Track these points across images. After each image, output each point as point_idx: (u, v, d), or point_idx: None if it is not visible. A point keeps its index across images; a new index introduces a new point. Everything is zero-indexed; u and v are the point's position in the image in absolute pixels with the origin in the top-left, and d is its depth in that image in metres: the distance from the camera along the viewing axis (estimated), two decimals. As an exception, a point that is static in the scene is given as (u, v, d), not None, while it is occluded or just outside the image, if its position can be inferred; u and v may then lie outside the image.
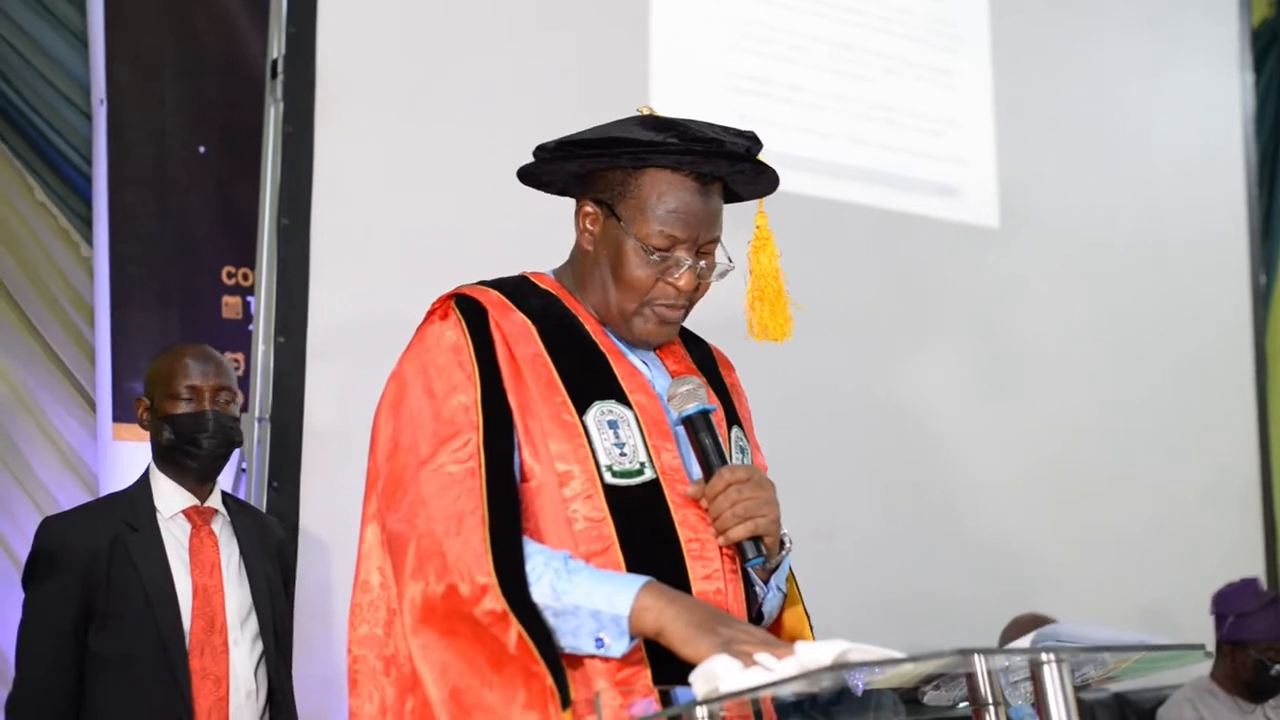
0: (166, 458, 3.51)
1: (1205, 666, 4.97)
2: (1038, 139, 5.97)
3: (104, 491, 4.76)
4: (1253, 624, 4.89)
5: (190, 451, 3.48)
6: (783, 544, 2.40)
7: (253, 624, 3.43)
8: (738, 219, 2.55)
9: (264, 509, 3.97)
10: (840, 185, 5.28)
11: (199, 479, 3.53)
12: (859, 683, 1.84)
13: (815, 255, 4.65)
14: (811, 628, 2.55)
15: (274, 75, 4.27)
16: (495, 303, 2.41)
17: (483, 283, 2.48)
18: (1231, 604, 4.97)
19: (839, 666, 1.74)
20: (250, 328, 4.95)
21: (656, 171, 2.38)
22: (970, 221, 5.71)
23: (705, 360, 2.61)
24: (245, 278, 5.05)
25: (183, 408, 3.49)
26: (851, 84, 5.44)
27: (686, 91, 4.91)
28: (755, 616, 2.39)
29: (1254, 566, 6.38)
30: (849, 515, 5.03)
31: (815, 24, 5.37)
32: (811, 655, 1.78)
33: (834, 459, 5.04)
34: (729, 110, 4.95)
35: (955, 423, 5.55)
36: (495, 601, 2.12)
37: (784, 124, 5.12)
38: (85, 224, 5.01)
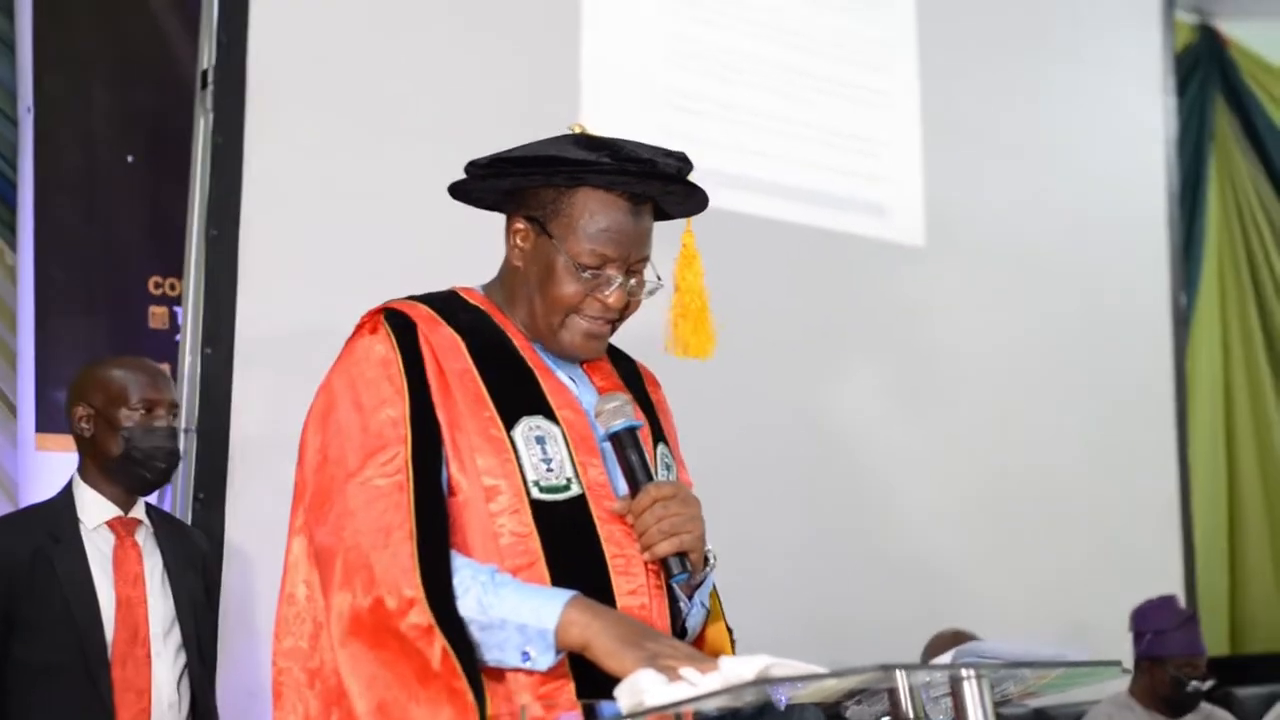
0: (109, 468, 3.48)
1: (1124, 682, 5.03)
2: (964, 159, 6.02)
3: (23, 501, 4.71)
4: (1170, 641, 4.95)
5: (147, 465, 3.48)
6: (707, 560, 2.41)
7: (176, 636, 3.41)
8: (665, 236, 2.57)
9: (190, 521, 3.94)
10: (768, 202, 5.31)
11: (141, 492, 3.52)
12: (782, 698, 1.86)
13: (742, 272, 4.68)
14: (734, 644, 2.57)
15: (204, 85, 4.25)
16: (424, 317, 2.42)
17: (412, 297, 2.49)
18: (1149, 621, 5.02)
19: (762, 681, 1.76)
20: (177, 338, 4.92)
21: (589, 190, 2.40)
22: (896, 240, 5.76)
23: (632, 377, 2.63)
24: (172, 288, 5.02)
25: (139, 420, 3.47)
26: (781, 102, 5.47)
27: (619, 106, 4.93)
28: (679, 632, 2.41)
29: (1173, 584, 6.45)
30: (772, 532, 5.05)
31: (747, 42, 5.40)
32: (735, 670, 1.80)
33: (758, 476, 5.07)
34: (659, 125, 4.97)
35: (879, 440, 5.59)
36: (422, 615, 2.13)
37: (714, 141, 5.15)
38: (9, 230, 4.96)
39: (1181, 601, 5.25)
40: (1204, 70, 8.10)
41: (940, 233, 5.87)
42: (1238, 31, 8.26)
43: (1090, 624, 5.59)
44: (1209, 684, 5.01)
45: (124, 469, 3.47)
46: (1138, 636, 5.05)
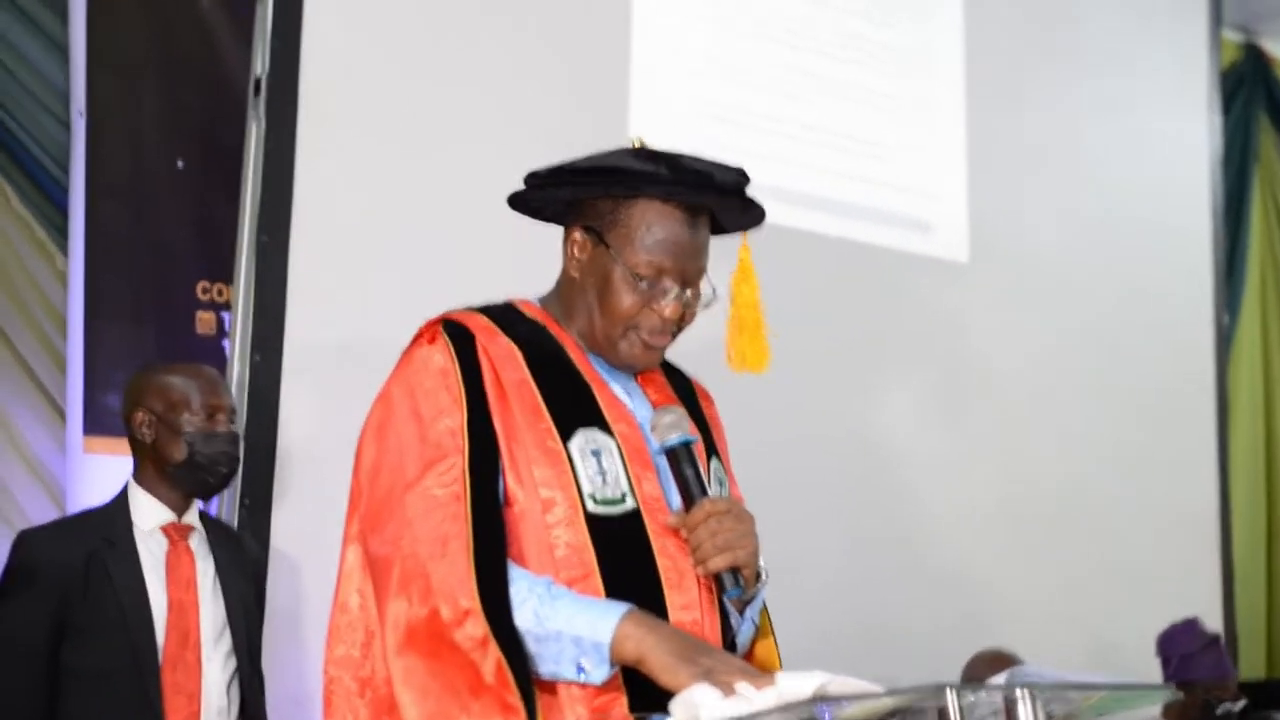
0: (171, 473, 3.48)
1: (1156, 705, 5.00)
2: (1008, 175, 6.01)
3: (71, 504, 4.75)
4: (1197, 664, 4.93)
5: (210, 470, 3.49)
6: (759, 576, 2.42)
7: (226, 641, 3.42)
8: (720, 250, 2.58)
9: (235, 526, 3.97)
10: (812, 216, 5.31)
11: (202, 497, 3.55)
12: (826, 715, 1.87)
13: (786, 286, 4.61)
14: (781, 660, 2.58)
15: (257, 92, 4.26)
16: (482, 328, 2.43)
17: (470, 308, 2.50)
18: (1175, 645, 5.00)
19: (820, 699, 1.77)
20: (224, 344, 4.96)
21: (647, 201, 2.41)
22: (940, 255, 5.75)
23: (685, 391, 2.63)
24: (220, 293, 5.06)
25: (201, 425, 3.49)
26: (826, 115, 5.46)
27: (666, 120, 4.93)
28: (729, 647, 2.41)
29: (1211, 604, 6.43)
30: (814, 545, 5.04)
31: (792, 55, 5.40)
32: (792, 686, 1.81)
33: (800, 489, 5.06)
34: (705, 139, 4.97)
35: (922, 455, 5.58)
36: (477, 626, 2.14)
37: (758, 154, 5.14)
38: (61, 235, 5.01)
39: (1219, 623, 5.22)
40: (1249, 89, 8.08)
41: (984, 248, 5.86)
42: (1284, 51, 8.24)
43: (1128, 642, 5.56)
44: (1240, 705, 4.98)
45: (187, 474, 3.48)
46: (1165, 661, 5.03)
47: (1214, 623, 6.10)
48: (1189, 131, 6.91)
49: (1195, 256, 6.83)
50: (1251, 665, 7.29)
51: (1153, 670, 5.07)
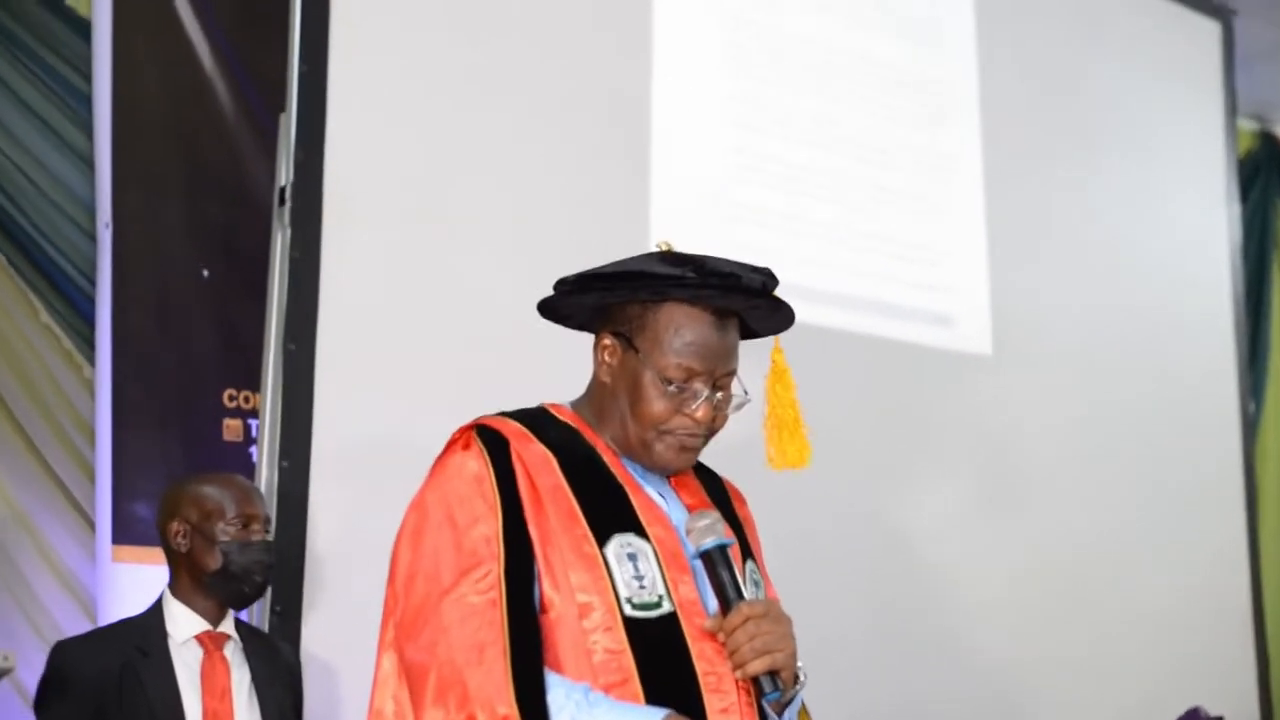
0: (206, 582, 3.48)
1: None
2: (1029, 268, 6.03)
3: (102, 614, 4.75)
4: None
5: (245, 579, 3.49)
6: (797, 678, 2.40)
7: (262, 750, 3.42)
8: (752, 352, 2.59)
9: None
10: (835, 313, 5.32)
11: (236, 606, 3.54)
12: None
13: (811, 383, 4.68)
14: (822, 760, 2.57)
15: (281, 201, 4.30)
16: (516, 433, 2.43)
17: (503, 413, 2.50)
18: None
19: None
20: (251, 450, 4.97)
21: (674, 305, 2.42)
22: (963, 349, 5.76)
23: (719, 493, 2.63)
24: (246, 400, 5.08)
25: (235, 534, 3.49)
26: (847, 213, 5.49)
27: (686, 219, 4.96)
28: (769, 749, 2.40)
29: (1246, 691, 6.39)
30: (848, 636, 5.02)
31: (811, 154, 5.43)
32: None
33: (834, 584, 5.05)
34: (727, 239, 5.00)
35: (953, 546, 5.57)
36: None
37: (779, 251, 5.16)
38: (88, 345, 5.04)
39: (1211, 711, 5.19)
40: (1265, 176, 8.13)
41: (1007, 340, 5.87)
42: (1299, 139, 8.29)
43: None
44: None
45: (221, 584, 3.47)
46: None
47: (1249, 710, 6.07)
48: (1209, 220, 6.94)
49: (1219, 344, 6.83)
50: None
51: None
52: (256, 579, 3.52)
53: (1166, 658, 6.12)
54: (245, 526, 3.51)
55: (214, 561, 3.47)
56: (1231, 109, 7.14)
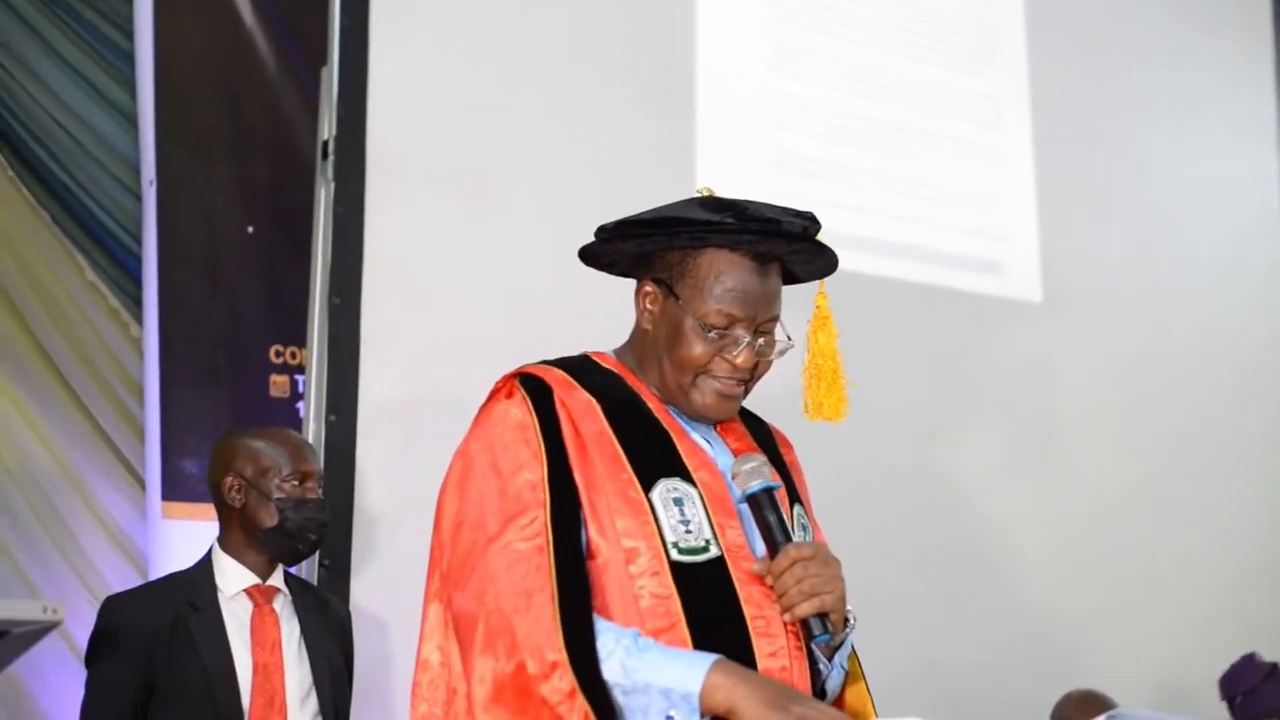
0: (261, 538, 3.48)
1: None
2: (1080, 216, 5.97)
3: (153, 570, 4.77)
4: (1262, 697, 4.85)
5: (300, 537, 3.49)
6: (846, 621, 2.39)
7: (313, 703, 3.40)
8: (797, 298, 2.57)
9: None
10: (883, 262, 5.28)
11: (289, 562, 3.55)
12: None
13: (859, 331, 4.63)
14: (874, 705, 2.55)
15: (325, 156, 4.29)
16: (559, 381, 2.42)
17: (545, 362, 2.49)
18: (1236, 684, 4.92)
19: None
20: (298, 406, 4.98)
21: (714, 251, 2.40)
22: (1013, 297, 5.72)
23: (765, 438, 2.61)
24: (293, 356, 5.09)
25: (291, 491, 3.49)
26: (894, 161, 5.45)
27: (731, 168, 4.93)
28: (818, 693, 2.37)
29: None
30: (894, 589, 5.00)
31: (857, 101, 5.39)
32: (888, 733, 1.78)
33: (879, 534, 5.02)
34: (773, 187, 4.97)
35: (1001, 500, 5.53)
36: (565, 679, 2.12)
37: (826, 201, 5.10)
38: (135, 303, 5.06)
39: (1265, 657, 5.13)
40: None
41: (1057, 289, 5.82)
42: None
43: (1207, 688, 5.47)
44: None
45: (276, 540, 3.47)
46: (1230, 702, 4.95)
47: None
48: (1258, 171, 6.84)
49: (1269, 296, 6.75)
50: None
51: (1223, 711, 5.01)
52: (311, 537, 3.52)
53: (1209, 607, 6.06)
54: (301, 483, 3.51)
55: (269, 518, 3.46)
56: (1281, 55, 7.04)
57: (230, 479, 3.50)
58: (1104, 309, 5.99)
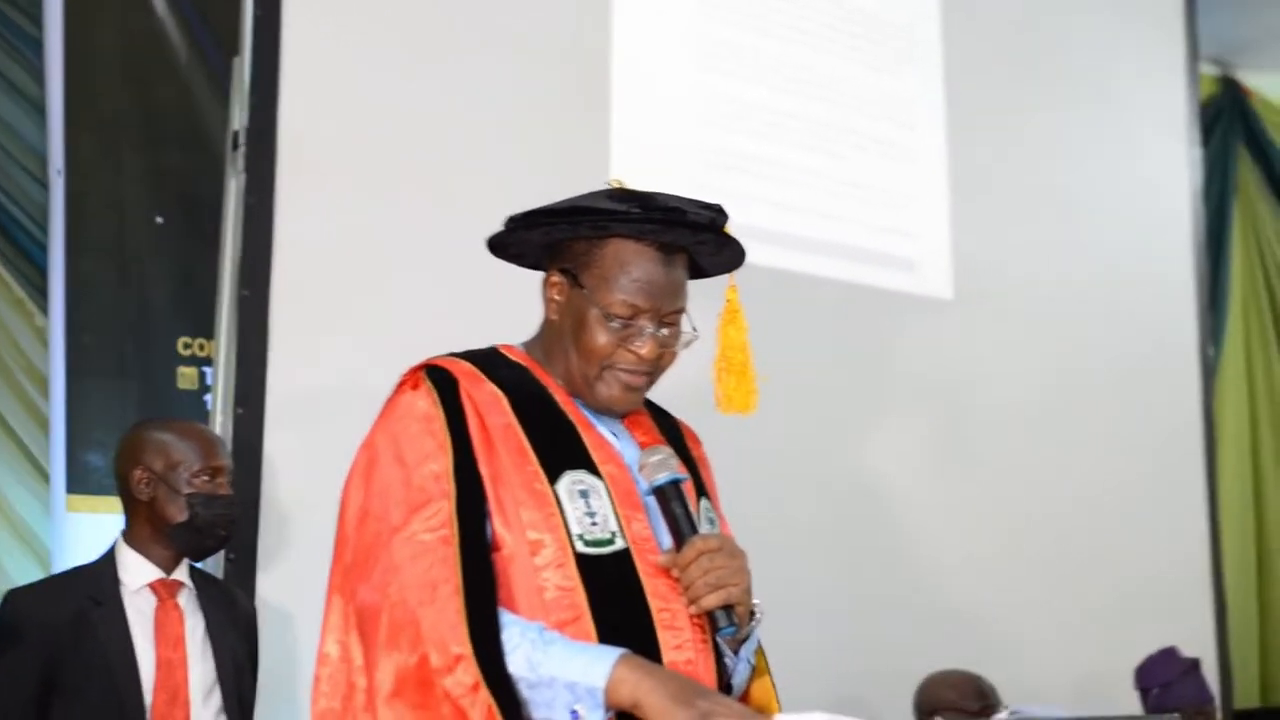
0: (168, 532, 3.43)
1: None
2: (991, 213, 6.01)
3: (57, 564, 4.71)
4: (1177, 692, 4.90)
5: (209, 533, 3.44)
6: (753, 614, 2.39)
7: (216, 698, 3.35)
8: (713, 291, 2.56)
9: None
10: (797, 257, 5.30)
11: (196, 558, 3.50)
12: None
13: (774, 326, 4.65)
14: (779, 700, 2.55)
15: (235, 146, 4.26)
16: (466, 373, 2.40)
17: (453, 354, 2.48)
18: (1154, 676, 4.98)
19: (818, 738, 1.74)
20: (206, 399, 4.93)
21: (619, 241, 2.40)
22: (925, 294, 5.75)
23: (672, 433, 2.61)
24: (201, 348, 5.03)
25: (202, 486, 3.44)
26: (810, 157, 5.46)
27: (650, 162, 4.92)
28: (724, 688, 2.37)
29: (1204, 635, 6.40)
30: (804, 584, 5.01)
31: (778, 98, 5.40)
32: (791, 727, 1.77)
33: (792, 530, 5.04)
34: (690, 182, 4.96)
35: (910, 491, 5.56)
36: (468, 673, 2.10)
37: (742, 195, 5.12)
38: (40, 293, 4.99)
39: (1189, 652, 5.19)
40: (1226, 122, 8.13)
41: (969, 286, 5.86)
42: (1260, 83, 8.29)
43: (1123, 677, 5.52)
44: None
45: (185, 536, 3.42)
46: (1144, 693, 5.01)
47: (1208, 653, 6.09)
48: (1170, 165, 6.92)
49: (1179, 289, 6.83)
50: (1245, 695, 7.27)
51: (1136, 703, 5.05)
52: (220, 533, 3.48)
53: (1125, 603, 6.12)
54: (212, 479, 3.46)
55: (179, 513, 3.41)
56: (1194, 53, 7.11)
57: (139, 472, 3.45)
58: (1016, 305, 6.04)
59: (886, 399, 5.60)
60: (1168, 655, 5.03)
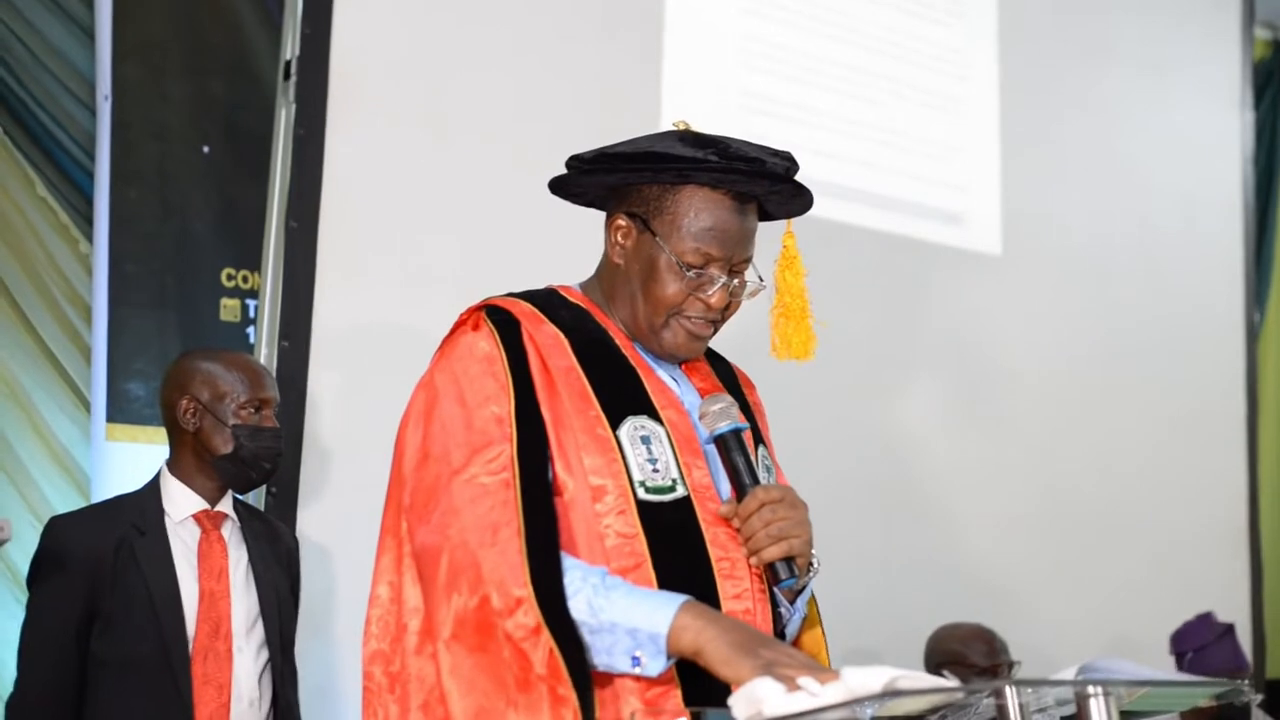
0: (213, 463, 3.39)
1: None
2: (1041, 169, 5.96)
3: (96, 493, 4.70)
4: (1212, 657, 4.88)
5: (254, 465, 3.40)
6: (810, 565, 2.36)
7: (259, 632, 3.34)
8: (762, 238, 2.53)
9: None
10: (845, 208, 5.25)
11: (241, 490, 3.48)
12: (868, 713, 1.80)
13: (818, 277, 4.63)
14: (828, 650, 2.53)
15: (286, 77, 4.22)
16: (527, 314, 2.38)
17: (511, 294, 2.45)
18: (1189, 640, 4.96)
19: (889, 693, 1.71)
20: (248, 330, 4.92)
21: (695, 188, 2.36)
22: (973, 248, 5.70)
23: (729, 379, 2.59)
24: (245, 280, 5.02)
25: (248, 418, 3.40)
26: (860, 107, 5.42)
27: (697, 108, 4.86)
28: (778, 636, 2.35)
29: (1239, 604, 6.36)
30: (838, 540, 4.97)
31: (826, 46, 5.35)
32: (860, 681, 1.75)
33: (826, 483, 4.96)
34: (735, 129, 4.89)
35: (947, 451, 5.53)
36: (530, 615, 2.08)
37: (791, 144, 5.00)
38: (85, 221, 4.96)
39: (1225, 617, 5.16)
40: (1277, 86, 8.02)
41: (1016, 242, 5.81)
42: (1312, 47, 8.18)
43: (1157, 641, 5.49)
44: (1260, 697, 4.91)
45: (229, 467, 3.39)
46: (1179, 658, 4.99)
47: (1242, 620, 6.05)
48: (1221, 127, 6.86)
49: (1226, 252, 6.77)
50: (1275, 665, 7.23)
51: (1170, 668, 5.01)
52: (265, 466, 3.44)
53: (1161, 570, 6.10)
54: (258, 411, 3.43)
55: (225, 444, 3.38)
56: (1249, 16, 7.03)
57: (186, 401, 3.41)
58: (1062, 262, 6.00)
59: (926, 353, 5.57)
60: (1204, 620, 5.01)
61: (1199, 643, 4.93)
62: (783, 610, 2.37)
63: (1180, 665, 4.94)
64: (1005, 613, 5.28)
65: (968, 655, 4.43)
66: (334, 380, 4.13)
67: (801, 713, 1.78)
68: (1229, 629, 5.01)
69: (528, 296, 2.45)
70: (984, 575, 5.49)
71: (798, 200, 2.50)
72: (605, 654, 2.12)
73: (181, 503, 3.37)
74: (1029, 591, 5.60)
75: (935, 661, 4.48)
